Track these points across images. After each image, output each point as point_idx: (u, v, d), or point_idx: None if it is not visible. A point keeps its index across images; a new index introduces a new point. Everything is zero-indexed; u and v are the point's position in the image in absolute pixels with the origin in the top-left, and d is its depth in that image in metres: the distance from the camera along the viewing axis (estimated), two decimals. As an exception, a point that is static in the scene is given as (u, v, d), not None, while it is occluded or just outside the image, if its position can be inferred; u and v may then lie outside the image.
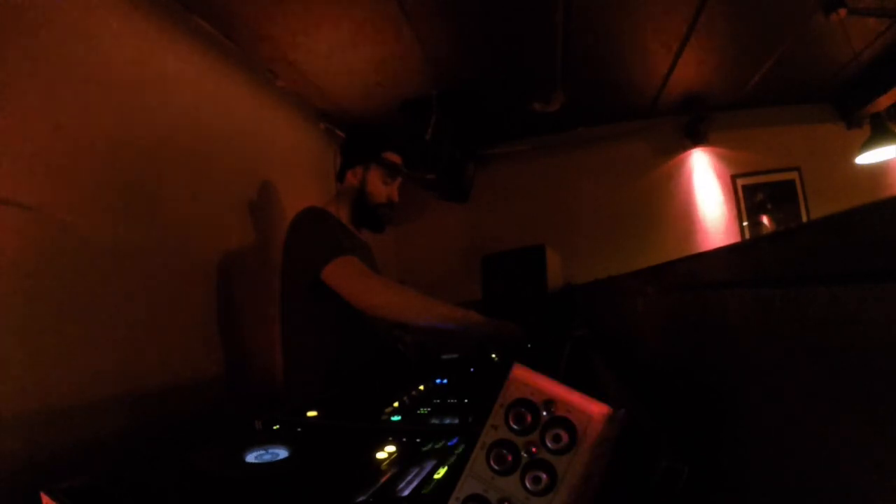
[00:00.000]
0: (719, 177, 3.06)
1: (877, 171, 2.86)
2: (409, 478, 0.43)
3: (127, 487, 0.42)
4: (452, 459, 0.47)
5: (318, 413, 0.68)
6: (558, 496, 0.31)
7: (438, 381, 0.89)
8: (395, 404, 0.71)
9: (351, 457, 0.51)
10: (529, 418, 0.34)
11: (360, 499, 0.39)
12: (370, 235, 1.70)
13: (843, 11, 1.94)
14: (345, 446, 0.55)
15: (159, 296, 1.35)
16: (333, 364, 1.38)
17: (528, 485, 0.32)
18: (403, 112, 2.44)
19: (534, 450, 0.33)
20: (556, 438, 0.32)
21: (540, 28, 1.94)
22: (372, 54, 2.00)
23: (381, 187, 1.61)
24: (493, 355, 1.11)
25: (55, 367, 1.04)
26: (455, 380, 0.89)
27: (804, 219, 3.00)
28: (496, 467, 0.33)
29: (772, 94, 2.83)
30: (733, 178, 3.05)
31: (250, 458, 0.50)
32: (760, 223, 3.03)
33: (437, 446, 0.51)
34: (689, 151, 3.07)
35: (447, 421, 0.63)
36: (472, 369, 1.00)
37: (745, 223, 3.03)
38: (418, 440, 0.53)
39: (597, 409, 0.32)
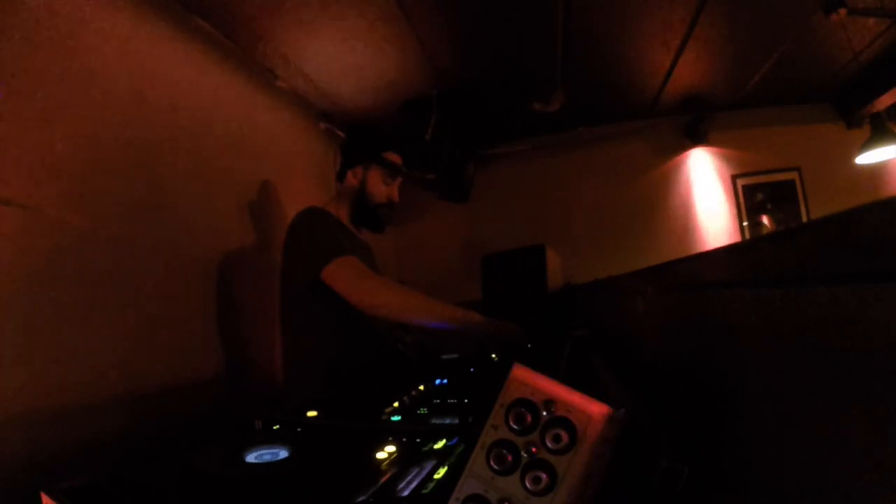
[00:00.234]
0: (719, 177, 3.06)
1: (877, 171, 2.86)
2: (409, 478, 0.43)
3: (127, 487, 0.42)
4: (452, 459, 0.47)
5: (318, 413, 0.68)
6: (558, 496, 0.31)
7: (438, 381, 0.89)
8: (395, 404, 0.71)
9: (351, 457, 0.51)
10: (529, 418, 0.34)
11: (360, 499, 0.39)
12: (370, 235, 1.69)
13: (843, 11, 1.94)
14: (345, 446, 0.55)
15: (159, 296, 1.35)
16: (333, 364, 1.38)
17: (528, 485, 0.32)
18: (403, 112, 2.44)
19: (534, 450, 0.33)
20: (556, 438, 0.32)
21: (540, 28, 1.94)
22: (372, 54, 2.00)
23: (381, 187, 1.61)
24: (493, 355, 1.11)
25: (55, 367, 1.04)
26: (455, 380, 0.89)
27: (804, 219, 2.99)
28: (496, 467, 0.33)
29: (772, 94, 2.83)
30: (733, 177, 3.05)
31: (250, 458, 0.50)
32: (760, 223, 3.02)
33: (437, 446, 0.51)
34: (688, 151, 3.07)
35: (447, 421, 0.63)
36: (472, 369, 1.00)
37: (745, 223, 3.03)
38: (418, 440, 0.53)
39: (597, 409, 0.32)
